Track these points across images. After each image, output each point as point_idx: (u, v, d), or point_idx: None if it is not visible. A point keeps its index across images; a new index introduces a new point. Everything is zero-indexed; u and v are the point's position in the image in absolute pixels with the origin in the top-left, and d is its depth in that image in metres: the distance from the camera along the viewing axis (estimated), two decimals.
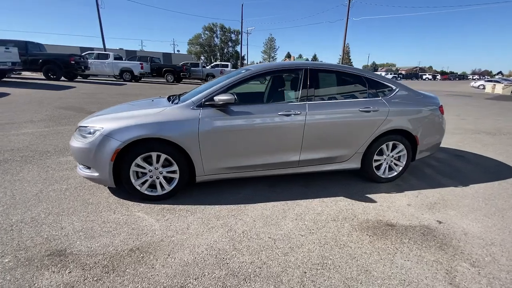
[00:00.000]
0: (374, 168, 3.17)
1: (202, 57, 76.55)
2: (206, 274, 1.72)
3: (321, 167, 3.02)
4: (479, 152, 4.66)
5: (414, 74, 76.34)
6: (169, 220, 2.32)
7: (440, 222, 2.42)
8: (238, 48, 76.50)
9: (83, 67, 14.35)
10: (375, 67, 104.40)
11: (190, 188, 2.89)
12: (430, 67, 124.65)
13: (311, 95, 2.88)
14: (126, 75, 17.23)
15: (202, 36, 74.68)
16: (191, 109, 2.59)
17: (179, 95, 3.21)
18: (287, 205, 2.66)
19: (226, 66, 26.94)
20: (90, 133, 2.49)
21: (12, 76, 13.87)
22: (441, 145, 4.77)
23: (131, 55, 41.37)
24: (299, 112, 2.76)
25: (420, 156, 3.33)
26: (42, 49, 14.05)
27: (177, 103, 2.70)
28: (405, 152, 3.20)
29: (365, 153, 3.08)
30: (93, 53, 17.22)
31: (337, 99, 3.04)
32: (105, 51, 24.71)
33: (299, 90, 2.88)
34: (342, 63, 26.62)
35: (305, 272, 1.76)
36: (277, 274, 1.75)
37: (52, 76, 13.40)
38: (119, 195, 2.69)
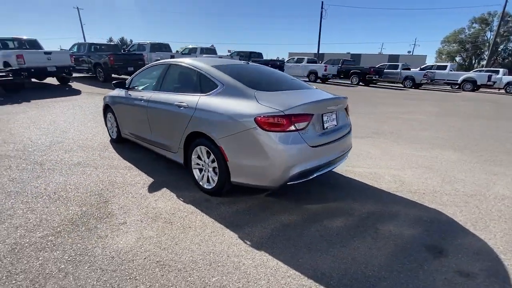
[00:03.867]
0: (194, 171, 2.95)
1: (457, 58, 61.44)
2: None
3: (165, 153, 3.39)
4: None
5: None
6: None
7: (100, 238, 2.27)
8: None
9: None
10: None
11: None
12: None
13: (162, 86, 3.35)
14: (311, 76, 19.71)
15: (466, 30, 59.35)
16: (120, 89, 4.19)
17: None
18: (111, 166, 3.56)
19: (444, 68, 21.21)
20: None
21: None
22: None
23: (355, 58, 43.49)
24: (146, 99, 3.41)
25: (238, 179, 2.51)
26: (260, 57, 19.99)
27: None
28: (216, 164, 2.63)
29: (185, 151, 2.99)
30: (294, 58, 21.31)
31: (171, 92, 3.18)
32: (317, 56, 28.80)
33: (158, 81, 3.44)
34: None
35: None
36: None
37: None
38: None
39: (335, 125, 2.75)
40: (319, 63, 21.59)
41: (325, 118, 2.59)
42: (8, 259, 1.85)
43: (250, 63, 3.60)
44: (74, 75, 13.45)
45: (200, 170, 2.92)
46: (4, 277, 1.70)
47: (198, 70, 2.95)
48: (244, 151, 2.38)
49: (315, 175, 2.47)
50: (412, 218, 2.54)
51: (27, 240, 2.05)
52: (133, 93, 3.79)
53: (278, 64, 18.75)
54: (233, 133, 2.41)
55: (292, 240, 2.16)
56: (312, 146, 2.37)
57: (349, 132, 3.00)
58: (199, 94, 2.82)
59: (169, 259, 1.90)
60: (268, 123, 2.24)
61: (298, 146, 2.28)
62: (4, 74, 8.16)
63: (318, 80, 19.47)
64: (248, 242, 2.11)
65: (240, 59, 18.17)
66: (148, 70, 3.88)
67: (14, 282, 1.67)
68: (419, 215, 2.59)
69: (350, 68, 19.75)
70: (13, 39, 10.28)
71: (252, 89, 2.55)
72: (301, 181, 2.41)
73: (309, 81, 19.53)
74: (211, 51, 17.90)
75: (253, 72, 3.13)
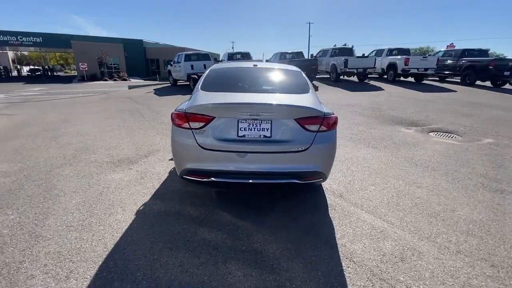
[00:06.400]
0: None
1: None
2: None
3: None
4: None
5: None
6: None
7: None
8: None
9: (505, 73, 12.51)
10: None
11: None
12: None
13: None
14: None
15: None
16: None
17: None
18: None
19: None
20: None
21: (429, 78, 16.14)
22: None
23: None
24: None
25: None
26: (484, 55, 14.33)
27: None
28: None
29: None
30: None
31: None
32: None
33: None
34: None
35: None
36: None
37: (467, 81, 13.82)
38: None
39: (264, 136, 2.32)
40: None
41: (241, 125, 2.31)
42: (78, 167, 3.77)
43: (259, 65, 3.46)
44: None
45: None
46: (70, 173, 3.57)
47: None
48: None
49: (214, 180, 2.36)
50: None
51: (93, 160, 3.92)
52: None
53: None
54: None
55: (156, 221, 2.42)
56: (205, 148, 2.31)
57: (302, 151, 2.32)
58: None
59: (105, 187, 3.02)
60: (175, 117, 2.49)
61: (188, 144, 2.35)
62: None
63: None
64: (141, 209, 2.64)
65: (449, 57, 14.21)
66: None
67: (62, 173, 3.48)
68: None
69: None
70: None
71: (199, 89, 2.80)
72: (198, 180, 2.43)
73: None
74: (403, 51, 15.50)
75: (234, 74, 3.17)
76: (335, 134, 2.52)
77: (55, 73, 42.75)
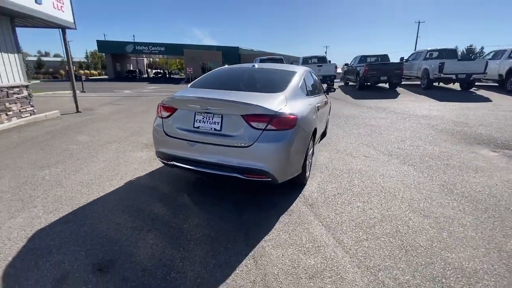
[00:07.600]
0: None
1: None
2: None
3: None
4: None
5: None
6: None
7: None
8: None
9: None
10: None
11: None
12: None
13: None
14: None
15: None
16: None
17: None
18: None
19: None
20: None
21: None
22: None
23: None
24: None
25: None
26: None
27: None
28: None
29: None
30: None
31: None
32: None
33: None
34: None
35: None
36: None
37: None
38: None
39: (215, 129, 2.46)
40: None
41: (197, 117, 2.53)
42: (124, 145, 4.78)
43: (258, 65, 3.50)
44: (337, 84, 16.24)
45: None
46: (113, 148, 4.61)
47: None
48: None
49: (174, 163, 2.67)
50: None
51: (135, 141, 4.87)
52: None
53: None
54: None
55: (133, 191, 2.90)
56: (167, 135, 2.64)
57: (245, 147, 2.35)
58: None
59: (125, 160, 3.77)
60: (158, 108, 2.90)
61: (158, 129, 2.75)
62: None
63: None
64: (132, 180, 3.22)
65: None
66: None
67: (109, 147, 4.51)
68: None
69: None
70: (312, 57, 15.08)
71: (187, 86, 3.16)
72: (165, 162, 2.79)
73: None
74: None
75: (225, 74, 3.41)
76: (291, 135, 2.41)
77: (172, 76, 52.79)
